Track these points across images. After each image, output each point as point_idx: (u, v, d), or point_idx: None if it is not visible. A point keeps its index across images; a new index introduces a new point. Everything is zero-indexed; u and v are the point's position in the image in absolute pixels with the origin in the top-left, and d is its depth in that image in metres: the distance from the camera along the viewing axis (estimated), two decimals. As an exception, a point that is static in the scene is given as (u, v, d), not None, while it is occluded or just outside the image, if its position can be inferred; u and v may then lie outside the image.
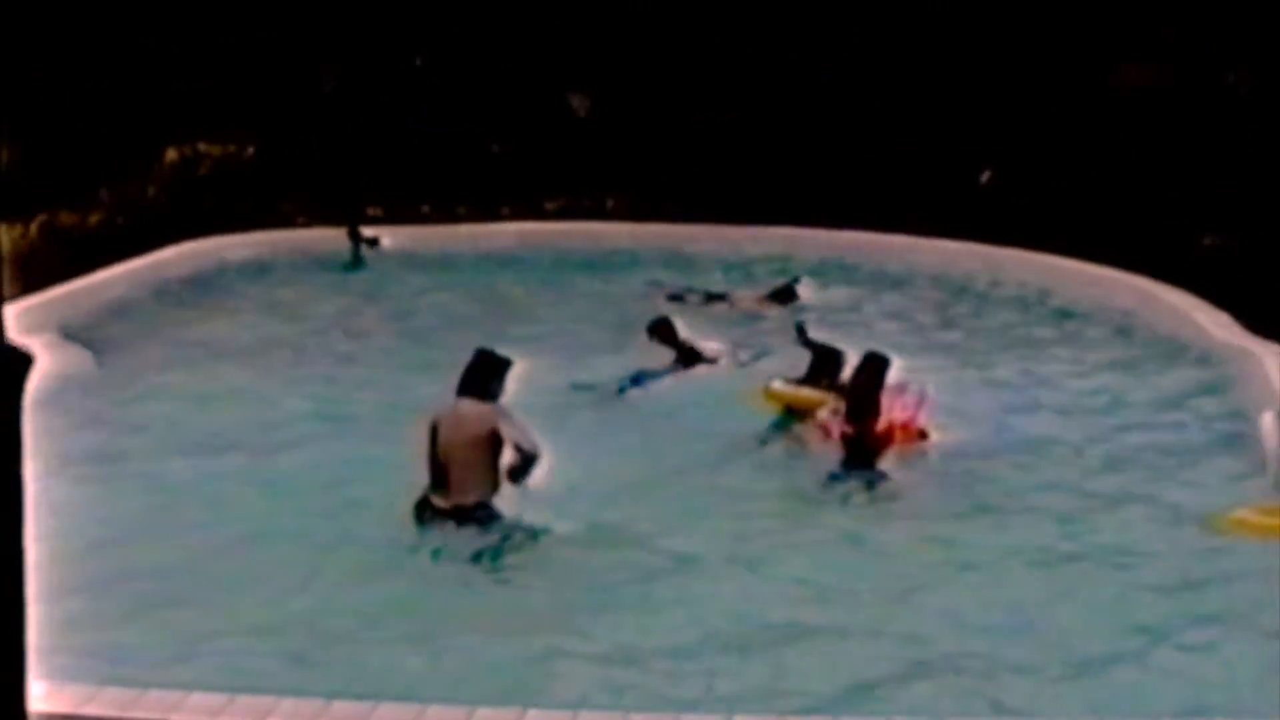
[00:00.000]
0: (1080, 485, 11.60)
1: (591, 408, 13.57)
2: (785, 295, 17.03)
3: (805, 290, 17.14)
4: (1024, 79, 20.29)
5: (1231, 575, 9.85)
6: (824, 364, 13.30)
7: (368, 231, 19.63)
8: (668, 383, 14.28)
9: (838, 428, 12.16)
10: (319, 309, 17.69)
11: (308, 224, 20.36)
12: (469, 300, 17.81)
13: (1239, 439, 12.39)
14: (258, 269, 19.15)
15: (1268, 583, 9.58)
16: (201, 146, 20.86)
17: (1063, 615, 9.42)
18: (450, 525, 10.74)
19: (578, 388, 13.99)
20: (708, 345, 14.73)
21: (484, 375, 11.24)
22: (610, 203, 20.69)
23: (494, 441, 10.92)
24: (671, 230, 19.74)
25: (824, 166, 20.33)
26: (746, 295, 17.18)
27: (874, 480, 11.80)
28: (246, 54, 21.47)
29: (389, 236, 19.71)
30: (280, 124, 21.32)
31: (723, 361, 14.64)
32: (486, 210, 20.61)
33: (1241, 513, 10.44)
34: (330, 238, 19.60)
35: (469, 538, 10.62)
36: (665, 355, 14.64)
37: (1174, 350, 14.94)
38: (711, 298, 17.16)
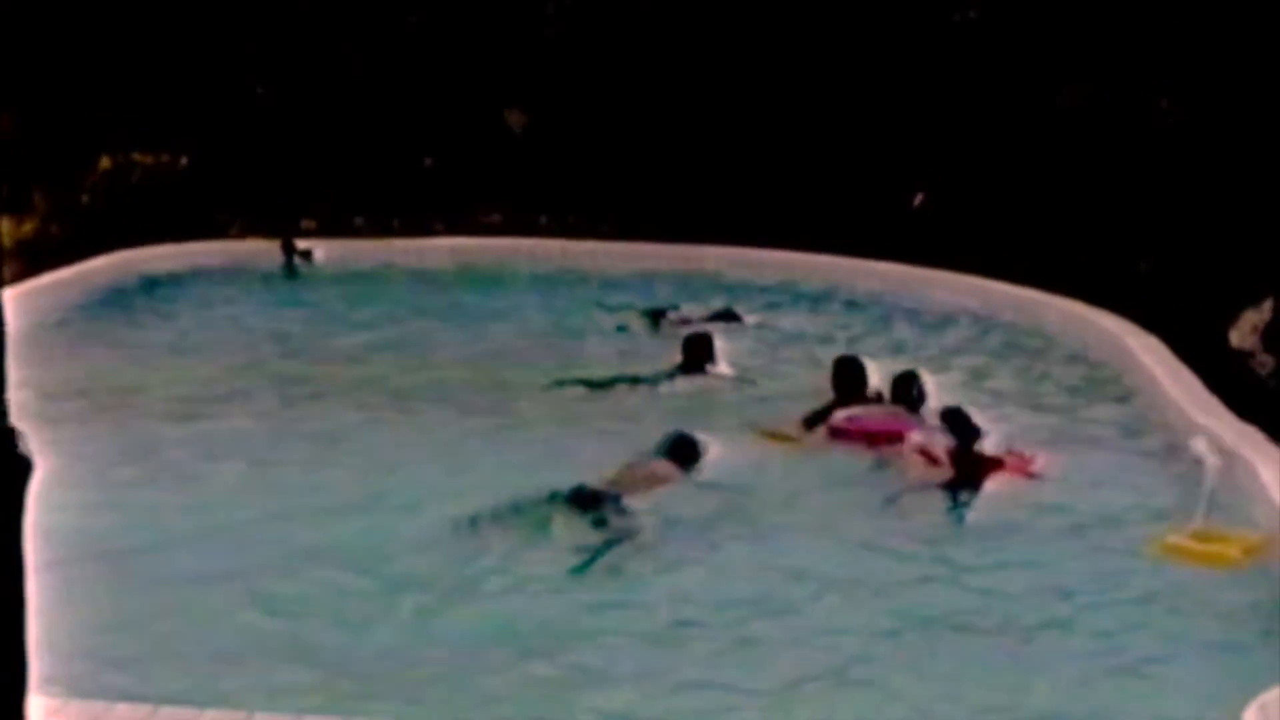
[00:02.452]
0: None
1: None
2: (728, 316, 17.10)
3: (747, 312, 17.26)
4: (958, 101, 20.43)
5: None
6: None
7: (301, 244, 19.62)
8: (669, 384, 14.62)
9: (939, 448, 12.29)
10: (251, 321, 17.67)
11: (241, 235, 20.30)
12: (404, 314, 17.87)
13: (1164, 464, 12.54)
14: (190, 279, 19.10)
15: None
16: (135, 155, 20.76)
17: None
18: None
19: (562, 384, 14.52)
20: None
21: (684, 451, 12.03)
22: (543, 219, 20.72)
23: None
24: (604, 248, 19.80)
25: (756, 186, 20.42)
26: (691, 313, 17.25)
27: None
28: (180, 62, 21.38)
29: (322, 249, 19.69)
30: (214, 134, 21.25)
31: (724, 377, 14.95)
32: (420, 224, 20.61)
33: (1174, 538, 10.56)
34: (264, 249, 19.57)
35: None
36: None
37: (1108, 375, 15.10)
38: (655, 315, 17.24)
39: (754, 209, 20.02)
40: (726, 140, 20.96)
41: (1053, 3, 20.31)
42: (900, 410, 13.28)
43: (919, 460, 12.32)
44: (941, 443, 12.43)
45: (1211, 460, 11.31)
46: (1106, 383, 14.95)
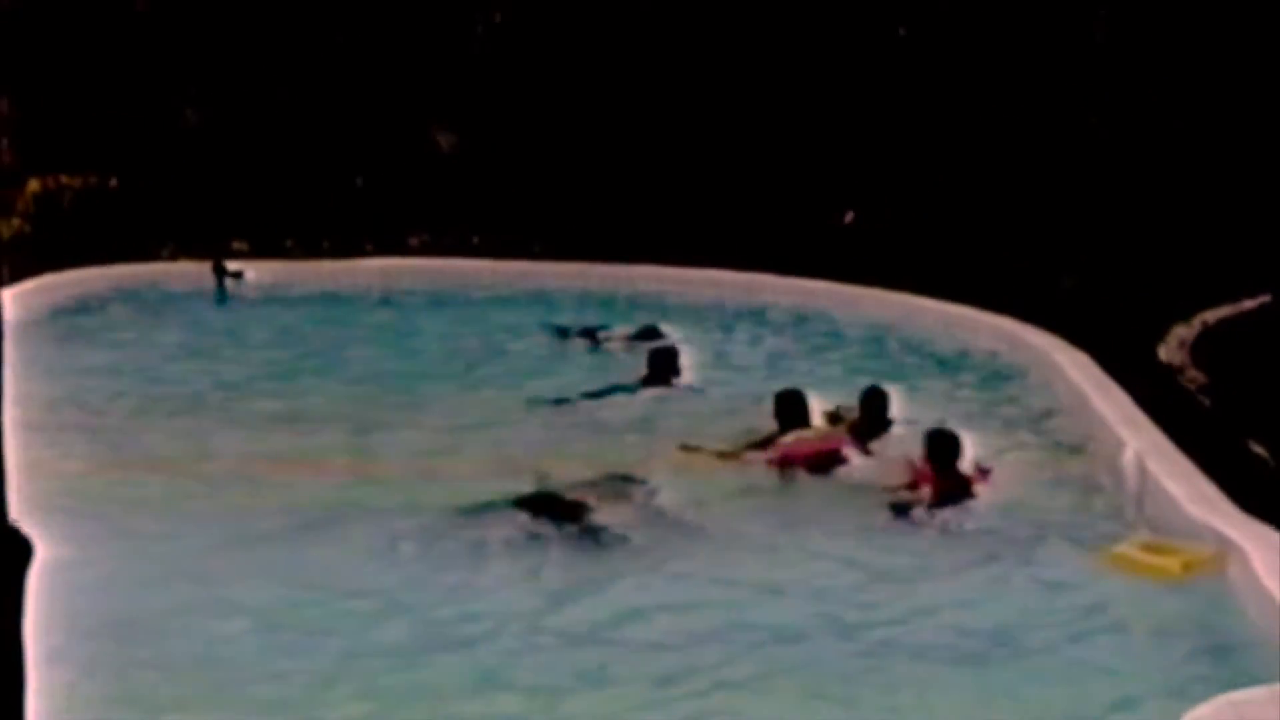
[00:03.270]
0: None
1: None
2: (650, 334, 17.23)
3: (669, 330, 17.39)
4: (889, 120, 20.64)
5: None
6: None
7: (232, 265, 19.60)
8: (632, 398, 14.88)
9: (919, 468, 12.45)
10: (182, 342, 17.67)
11: (172, 257, 20.24)
12: (334, 335, 17.92)
13: (1093, 477, 12.75)
14: (120, 301, 19.03)
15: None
16: (64, 178, 20.66)
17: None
18: None
19: (533, 402, 14.66)
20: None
21: None
22: (475, 239, 20.79)
23: None
24: (534, 268, 19.90)
25: (688, 204, 20.56)
26: (615, 333, 17.39)
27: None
28: (109, 84, 21.31)
29: (253, 270, 19.68)
30: (144, 155, 21.18)
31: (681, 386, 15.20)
32: (350, 245, 20.62)
33: (1122, 548, 10.73)
34: (194, 271, 19.55)
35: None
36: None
37: (1036, 389, 15.31)
38: (586, 333, 17.39)
39: (685, 227, 20.14)
40: (658, 158, 21.11)
41: (981, 22, 20.54)
42: (836, 431, 13.38)
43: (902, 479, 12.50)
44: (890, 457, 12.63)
45: (1139, 473, 11.49)
46: (1035, 397, 15.13)
